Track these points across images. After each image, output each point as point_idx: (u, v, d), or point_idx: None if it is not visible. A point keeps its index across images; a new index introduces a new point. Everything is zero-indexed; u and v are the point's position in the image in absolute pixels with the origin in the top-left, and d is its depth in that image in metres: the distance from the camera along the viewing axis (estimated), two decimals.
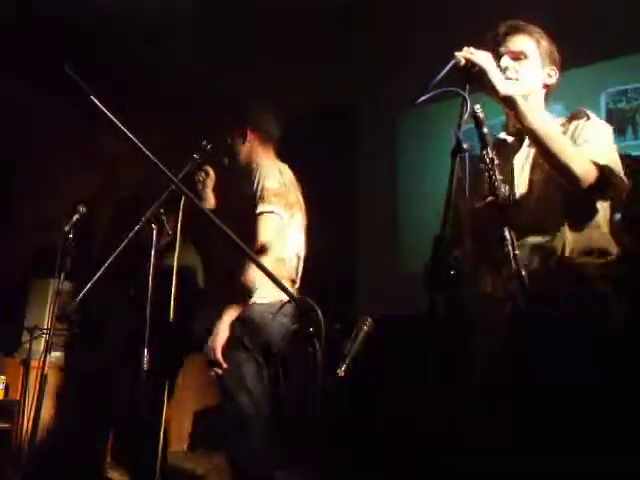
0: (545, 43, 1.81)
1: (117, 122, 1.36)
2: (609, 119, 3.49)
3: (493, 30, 1.81)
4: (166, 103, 4.57)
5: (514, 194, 1.72)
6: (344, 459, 3.14)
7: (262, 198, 2.37)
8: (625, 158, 1.77)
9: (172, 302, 2.71)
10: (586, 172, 1.58)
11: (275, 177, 2.44)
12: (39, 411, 2.51)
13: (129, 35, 3.88)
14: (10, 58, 3.90)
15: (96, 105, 1.36)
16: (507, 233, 1.53)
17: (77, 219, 2.80)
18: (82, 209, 2.83)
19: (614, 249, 1.70)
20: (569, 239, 1.65)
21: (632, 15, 3.22)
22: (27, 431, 2.89)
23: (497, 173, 1.57)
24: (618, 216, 2.88)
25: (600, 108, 3.52)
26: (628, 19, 3.25)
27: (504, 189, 1.58)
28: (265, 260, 2.22)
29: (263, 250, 2.30)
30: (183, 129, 4.33)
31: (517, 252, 1.49)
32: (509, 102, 1.62)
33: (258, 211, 2.35)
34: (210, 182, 2.71)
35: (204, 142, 2.52)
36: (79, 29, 3.74)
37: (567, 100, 3.56)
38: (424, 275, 1.60)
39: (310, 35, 3.89)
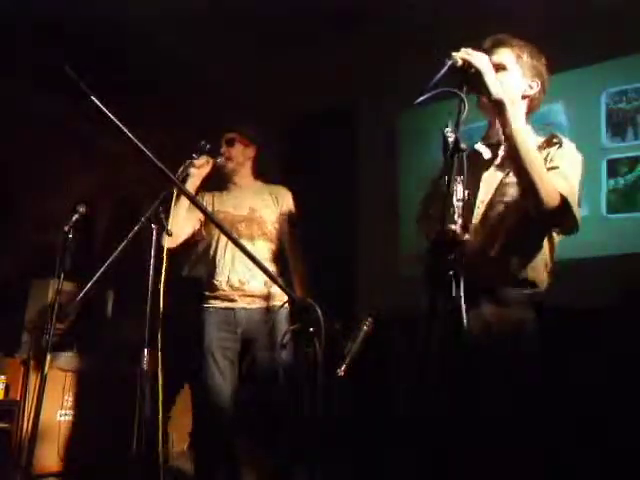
0: (526, 57, 1.83)
1: (117, 122, 1.37)
2: (609, 119, 3.49)
3: (480, 44, 1.83)
4: (166, 103, 4.57)
5: (472, 215, 1.75)
6: (344, 459, 3.14)
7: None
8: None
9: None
10: (550, 196, 1.60)
11: None
12: (39, 411, 2.51)
13: (129, 35, 3.88)
14: (10, 58, 3.89)
15: (96, 105, 1.36)
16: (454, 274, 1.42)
17: (77, 219, 2.80)
18: (82, 209, 2.83)
19: (544, 284, 1.77)
20: (511, 266, 1.71)
21: (632, 15, 3.22)
22: (27, 431, 2.89)
23: (458, 208, 1.51)
24: None
25: (600, 108, 3.52)
26: (628, 19, 3.25)
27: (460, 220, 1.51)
28: None
29: None
30: (183, 129, 4.33)
31: (462, 297, 1.38)
32: (498, 106, 1.64)
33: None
34: (204, 170, 2.82)
35: (202, 142, 2.55)
36: (79, 29, 3.74)
37: (567, 100, 3.56)
38: (424, 275, 1.60)
39: (310, 35, 3.89)
